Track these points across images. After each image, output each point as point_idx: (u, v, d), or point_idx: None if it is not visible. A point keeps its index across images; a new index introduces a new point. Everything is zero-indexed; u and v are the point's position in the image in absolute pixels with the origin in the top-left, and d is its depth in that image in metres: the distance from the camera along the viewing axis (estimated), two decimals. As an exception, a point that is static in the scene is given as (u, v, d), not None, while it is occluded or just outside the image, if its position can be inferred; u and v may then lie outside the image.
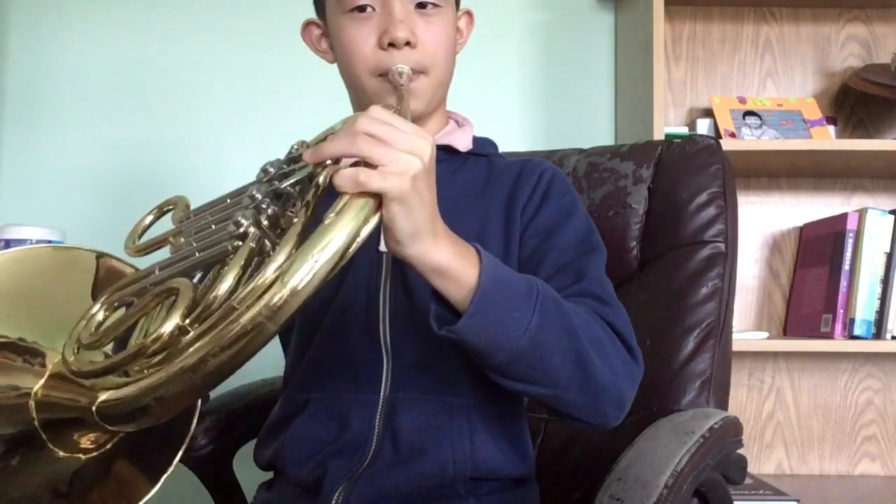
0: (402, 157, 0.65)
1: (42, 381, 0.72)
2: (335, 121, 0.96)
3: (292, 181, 0.71)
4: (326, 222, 0.62)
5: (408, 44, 0.88)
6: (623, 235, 1.14)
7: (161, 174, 1.81)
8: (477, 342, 0.72)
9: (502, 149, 1.06)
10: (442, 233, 0.71)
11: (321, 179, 0.67)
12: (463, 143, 0.99)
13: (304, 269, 0.59)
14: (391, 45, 0.88)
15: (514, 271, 0.77)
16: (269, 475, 0.97)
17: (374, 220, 0.65)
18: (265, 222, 0.68)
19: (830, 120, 1.81)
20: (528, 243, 0.91)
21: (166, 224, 0.89)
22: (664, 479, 0.77)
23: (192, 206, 0.90)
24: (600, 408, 0.80)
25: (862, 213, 1.68)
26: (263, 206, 0.69)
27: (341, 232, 0.61)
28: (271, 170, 0.74)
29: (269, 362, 1.18)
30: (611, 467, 0.83)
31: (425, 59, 0.91)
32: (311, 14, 0.99)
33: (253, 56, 1.82)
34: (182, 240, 0.79)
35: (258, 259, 0.66)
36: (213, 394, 1.10)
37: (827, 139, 1.70)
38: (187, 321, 0.61)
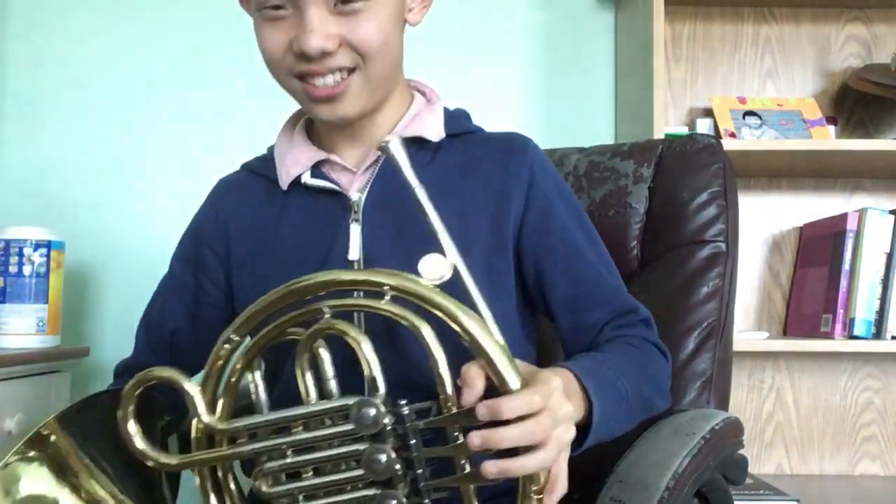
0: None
1: None
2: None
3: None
4: None
5: (326, 53, 0.80)
6: (623, 235, 1.13)
7: (161, 174, 1.81)
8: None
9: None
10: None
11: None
12: (435, 132, 0.90)
13: None
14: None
15: (604, 376, 0.79)
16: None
17: None
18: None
19: (830, 120, 1.81)
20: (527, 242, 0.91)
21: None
22: (665, 482, 0.78)
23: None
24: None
25: (862, 213, 1.68)
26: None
27: None
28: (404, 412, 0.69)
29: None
30: (612, 469, 0.83)
31: (353, 57, 0.82)
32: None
33: (255, 56, 1.81)
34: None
35: None
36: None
37: (827, 139, 1.70)
38: None
